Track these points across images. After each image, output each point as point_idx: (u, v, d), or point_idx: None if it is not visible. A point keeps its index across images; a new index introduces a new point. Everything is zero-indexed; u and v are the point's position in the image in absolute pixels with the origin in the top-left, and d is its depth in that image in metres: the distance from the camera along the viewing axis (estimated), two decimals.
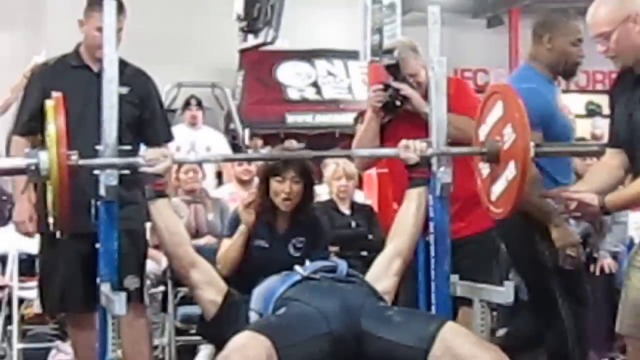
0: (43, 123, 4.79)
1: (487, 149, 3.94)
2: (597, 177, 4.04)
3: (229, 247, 4.55)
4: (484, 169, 4.03)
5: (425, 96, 4.57)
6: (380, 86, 4.75)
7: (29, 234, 4.89)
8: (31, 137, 5.00)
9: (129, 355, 4.80)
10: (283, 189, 4.40)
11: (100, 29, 4.81)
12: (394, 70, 4.74)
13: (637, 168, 3.94)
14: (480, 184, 4.10)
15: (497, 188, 3.91)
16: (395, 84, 4.70)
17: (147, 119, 4.99)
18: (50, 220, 3.92)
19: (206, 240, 6.78)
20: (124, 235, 4.59)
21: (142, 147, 4.73)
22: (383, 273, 3.98)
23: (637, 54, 3.94)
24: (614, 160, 4.05)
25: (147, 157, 3.83)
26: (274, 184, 4.42)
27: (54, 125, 3.64)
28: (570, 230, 4.49)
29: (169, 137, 5.17)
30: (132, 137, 4.92)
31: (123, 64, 4.98)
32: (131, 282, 4.57)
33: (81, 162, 3.78)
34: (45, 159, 3.59)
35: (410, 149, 3.99)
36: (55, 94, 3.82)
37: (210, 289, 3.89)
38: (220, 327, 3.84)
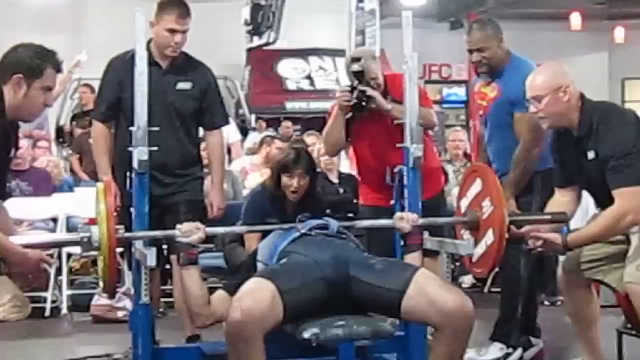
0: (119, 111, 4.80)
1: (468, 219, 3.85)
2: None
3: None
4: (465, 234, 3.93)
5: (384, 95, 4.72)
6: (347, 88, 4.75)
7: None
8: (109, 123, 4.95)
9: (178, 298, 4.79)
10: (292, 183, 4.32)
11: (170, 30, 4.77)
12: (360, 75, 4.72)
13: (600, 206, 4.04)
14: None
15: (478, 251, 3.80)
16: (361, 87, 4.69)
17: (205, 108, 4.91)
18: None
19: None
20: (186, 203, 4.60)
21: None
22: None
23: (564, 119, 3.99)
24: (564, 197, 4.14)
25: (183, 229, 3.64)
26: (284, 178, 4.34)
27: (104, 204, 3.54)
28: (512, 204, 4.52)
29: (224, 122, 5.10)
30: (193, 124, 4.92)
31: (188, 59, 4.94)
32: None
33: (127, 235, 3.72)
34: (96, 232, 3.51)
35: (404, 220, 3.85)
36: (106, 179, 3.76)
37: (224, 304, 3.65)
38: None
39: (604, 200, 3.92)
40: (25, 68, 3.38)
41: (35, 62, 3.39)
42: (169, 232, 3.70)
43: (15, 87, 3.37)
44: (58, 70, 3.47)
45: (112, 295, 3.70)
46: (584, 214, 4.78)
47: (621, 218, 3.82)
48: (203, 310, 3.66)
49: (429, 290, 3.48)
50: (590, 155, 3.91)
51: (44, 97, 3.45)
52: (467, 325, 3.46)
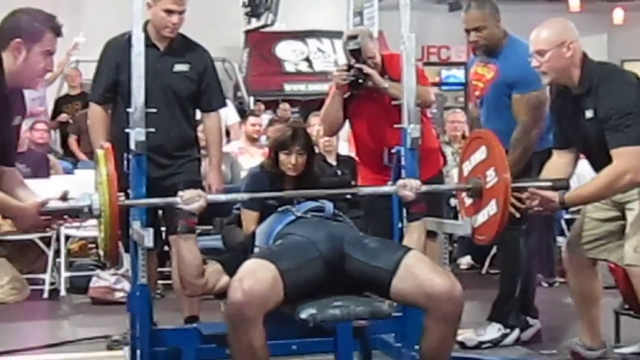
0: (116, 93, 4.80)
1: (471, 186, 3.83)
2: (552, 173, 4.09)
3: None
4: (467, 199, 3.93)
5: (381, 74, 4.70)
6: (344, 67, 4.74)
7: None
8: (106, 105, 4.94)
9: (176, 280, 4.72)
10: (290, 160, 4.32)
11: (167, 11, 4.75)
12: (357, 53, 4.71)
13: (595, 167, 4.03)
14: (464, 210, 4.01)
15: (479, 219, 3.79)
16: (358, 65, 4.68)
17: (202, 90, 4.90)
18: None
19: None
20: (184, 184, 4.58)
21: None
22: None
23: (565, 75, 3.96)
24: (562, 159, 4.12)
25: (184, 197, 3.63)
26: (282, 156, 4.34)
27: (105, 170, 3.50)
28: None
29: (221, 104, 5.10)
30: (191, 106, 4.91)
31: (185, 41, 4.93)
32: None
33: (127, 202, 3.69)
34: (97, 200, 3.49)
35: (407, 187, 3.82)
36: (107, 145, 3.69)
37: (217, 276, 3.70)
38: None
39: (599, 162, 3.91)
40: (24, 32, 3.30)
41: (35, 26, 3.32)
42: (170, 199, 3.69)
43: (15, 52, 3.30)
44: (58, 34, 3.39)
45: (114, 263, 3.65)
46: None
47: (620, 177, 3.81)
48: (196, 281, 3.67)
49: (417, 272, 3.46)
50: (589, 114, 3.90)
51: (45, 62, 3.37)
52: (455, 309, 3.42)
